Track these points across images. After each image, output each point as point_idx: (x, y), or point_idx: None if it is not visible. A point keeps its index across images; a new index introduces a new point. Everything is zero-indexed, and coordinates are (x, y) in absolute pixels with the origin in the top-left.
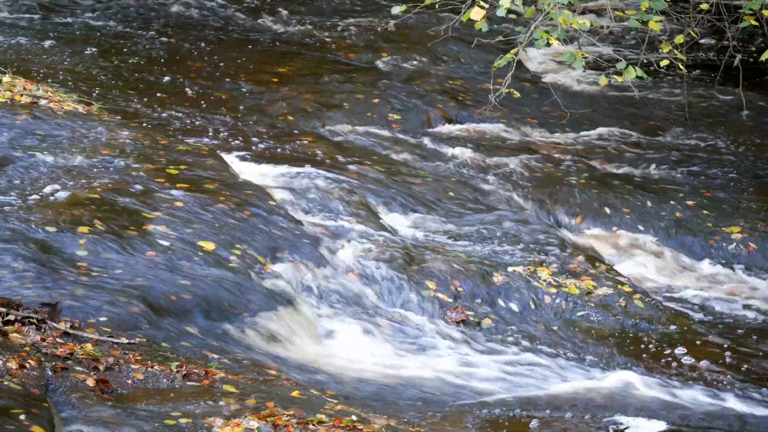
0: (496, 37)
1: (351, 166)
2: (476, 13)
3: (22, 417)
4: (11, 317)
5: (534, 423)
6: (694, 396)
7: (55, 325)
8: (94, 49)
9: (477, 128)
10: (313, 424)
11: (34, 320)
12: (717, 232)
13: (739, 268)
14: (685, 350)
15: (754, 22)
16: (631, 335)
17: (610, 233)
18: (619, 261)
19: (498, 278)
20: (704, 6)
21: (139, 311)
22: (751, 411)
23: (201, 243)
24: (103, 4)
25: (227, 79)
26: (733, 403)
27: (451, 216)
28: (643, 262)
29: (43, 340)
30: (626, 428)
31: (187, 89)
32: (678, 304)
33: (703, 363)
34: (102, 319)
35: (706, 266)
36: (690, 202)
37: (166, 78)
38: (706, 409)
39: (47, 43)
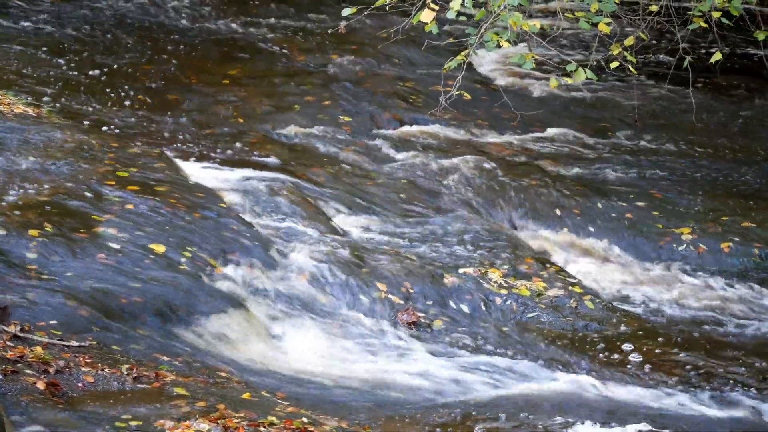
0: (446, 40)
1: (302, 169)
2: (426, 15)
3: None
4: None
5: (479, 428)
6: (644, 396)
7: (4, 328)
8: (43, 53)
9: (428, 130)
10: (264, 426)
11: None
12: (667, 233)
13: (690, 269)
14: (636, 351)
15: (703, 24)
16: (581, 336)
17: (561, 234)
18: (569, 262)
19: (449, 280)
20: (654, 8)
21: (89, 314)
22: (702, 411)
23: (152, 245)
24: (53, 7)
25: (177, 82)
26: (683, 402)
27: (402, 218)
28: (594, 263)
29: None
30: (576, 430)
31: (137, 92)
32: (628, 305)
33: (654, 363)
34: (52, 322)
35: (656, 267)
36: (640, 204)
37: (117, 81)
38: (657, 409)
39: None
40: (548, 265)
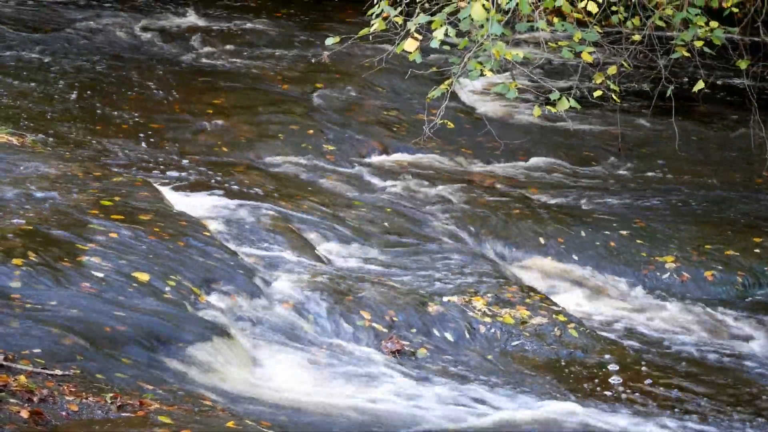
0: (430, 69)
1: (286, 197)
2: (410, 45)
3: None
4: None
5: None
6: (628, 424)
7: None
8: (27, 82)
9: (411, 159)
10: None
11: None
12: (651, 261)
13: (673, 297)
14: (620, 379)
15: (686, 53)
16: (565, 364)
17: (545, 263)
18: (553, 290)
19: (433, 308)
20: (636, 37)
21: (73, 343)
22: None
23: (135, 274)
24: (35, 37)
25: (162, 111)
26: (667, 431)
27: (386, 246)
28: (578, 291)
29: None
30: None
31: (121, 121)
32: (612, 333)
33: (637, 391)
34: (36, 350)
35: (640, 295)
36: (624, 232)
37: (101, 110)
38: None
39: None
40: (532, 294)
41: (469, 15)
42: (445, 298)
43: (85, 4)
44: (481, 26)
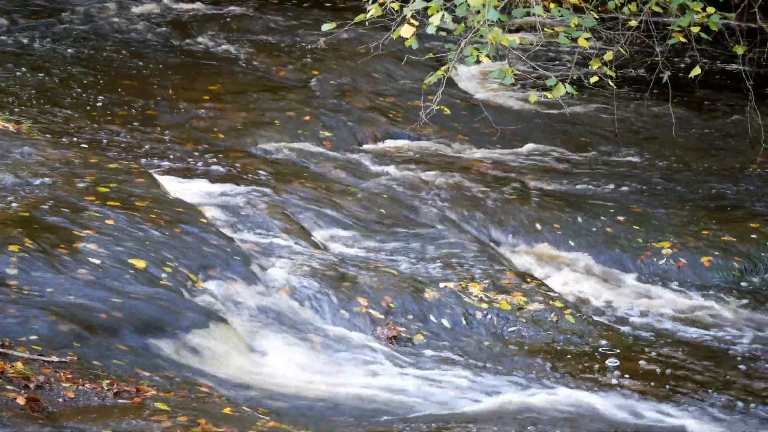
0: (426, 55)
1: (282, 184)
2: (406, 31)
3: None
4: None
5: None
6: (625, 409)
7: None
8: (23, 68)
9: (408, 145)
10: None
11: None
12: (647, 247)
13: (669, 283)
14: (616, 364)
15: (682, 39)
16: (562, 350)
17: (541, 249)
18: (550, 276)
19: (429, 294)
20: (633, 23)
21: (70, 329)
22: (682, 424)
23: (132, 261)
24: (30, 23)
25: (158, 97)
26: (663, 415)
27: (383, 233)
28: (574, 277)
29: None
30: None
31: (117, 107)
32: (609, 319)
33: (634, 376)
34: (33, 337)
35: (636, 281)
36: (620, 218)
37: (97, 96)
38: (637, 422)
39: None
40: (528, 280)
41: (466, 1)
42: (441, 284)
43: None
44: (478, 12)
